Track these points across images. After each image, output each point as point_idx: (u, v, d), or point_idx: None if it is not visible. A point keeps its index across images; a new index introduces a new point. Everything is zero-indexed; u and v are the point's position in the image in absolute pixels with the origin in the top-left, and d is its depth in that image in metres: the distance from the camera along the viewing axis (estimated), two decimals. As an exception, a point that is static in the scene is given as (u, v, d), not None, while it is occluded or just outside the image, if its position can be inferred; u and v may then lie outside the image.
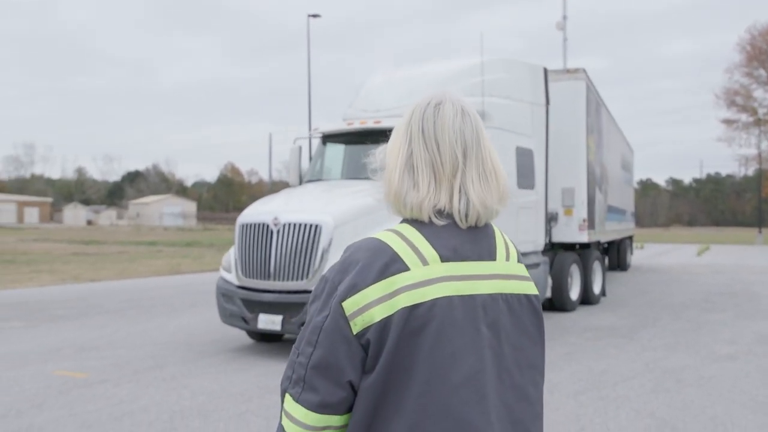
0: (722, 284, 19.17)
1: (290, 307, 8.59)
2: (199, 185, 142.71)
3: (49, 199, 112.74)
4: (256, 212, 9.29)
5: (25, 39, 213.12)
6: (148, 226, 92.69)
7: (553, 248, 13.75)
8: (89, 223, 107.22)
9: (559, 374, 8.00)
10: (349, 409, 1.64)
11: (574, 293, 13.90)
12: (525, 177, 11.78)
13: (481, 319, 1.63)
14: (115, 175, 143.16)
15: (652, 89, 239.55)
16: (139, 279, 20.87)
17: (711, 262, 28.81)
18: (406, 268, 1.60)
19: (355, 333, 1.59)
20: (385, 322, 1.57)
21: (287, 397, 1.66)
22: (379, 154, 1.81)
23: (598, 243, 16.61)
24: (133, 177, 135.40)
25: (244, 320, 9.01)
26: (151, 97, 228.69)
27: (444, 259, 1.63)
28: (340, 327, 1.60)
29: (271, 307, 8.74)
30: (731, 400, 6.93)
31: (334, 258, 8.31)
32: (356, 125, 10.82)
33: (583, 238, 13.83)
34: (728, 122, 62.21)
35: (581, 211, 13.72)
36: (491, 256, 1.70)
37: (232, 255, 9.53)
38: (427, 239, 1.64)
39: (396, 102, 11.06)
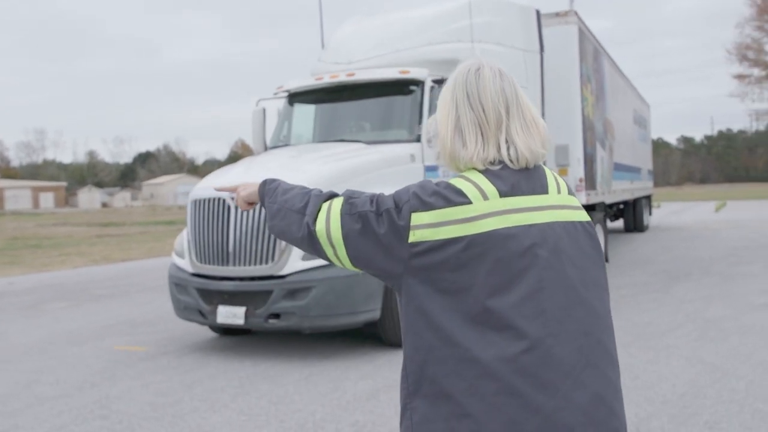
0: (745, 238, 19.34)
1: (254, 296, 7.36)
2: (210, 163, 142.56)
3: (63, 184, 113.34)
4: (211, 185, 7.92)
5: (29, 25, 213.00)
6: (163, 206, 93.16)
7: None
8: (104, 205, 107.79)
9: (604, 329, 8.22)
10: (355, 261, 1.98)
11: None
12: None
13: (540, 244, 1.86)
14: (126, 157, 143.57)
15: (660, 48, 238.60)
16: (168, 257, 21.13)
17: (730, 218, 28.93)
18: (469, 202, 1.85)
19: (410, 241, 1.87)
20: (443, 243, 1.83)
21: (339, 203, 2.00)
22: (431, 124, 2.07)
23: (604, 204, 15.62)
24: (144, 158, 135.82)
25: (201, 314, 7.72)
26: (158, 77, 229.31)
27: (502, 194, 1.88)
28: (401, 230, 1.88)
29: (231, 298, 7.49)
30: (776, 346, 7.16)
31: None
32: (326, 80, 9.40)
33: (580, 200, 12.45)
34: (740, 77, 61.78)
35: (577, 170, 12.77)
36: (544, 190, 1.95)
37: (185, 237, 8.25)
38: (488, 179, 1.90)
39: (372, 51, 9.69)
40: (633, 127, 21.29)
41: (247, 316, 7.33)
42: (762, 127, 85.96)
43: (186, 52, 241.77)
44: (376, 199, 1.96)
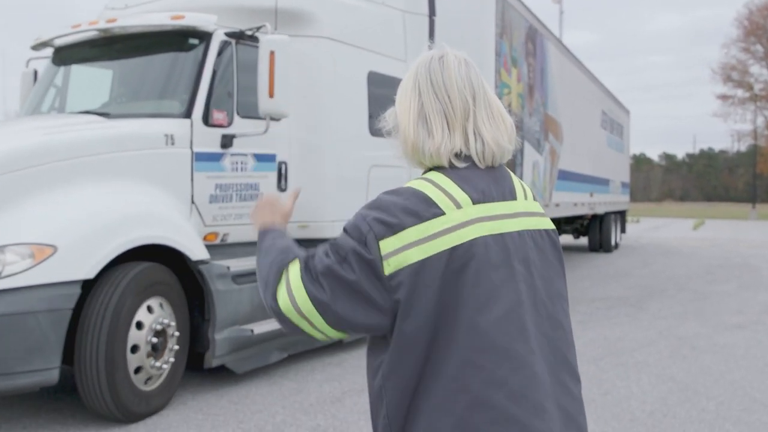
0: (721, 257, 19.35)
1: None
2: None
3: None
4: None
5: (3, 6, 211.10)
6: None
7: None
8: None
9: (576, 341, 8.05)
10: (337, 326, 1.73)
11: None
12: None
13: (513, 255, 1.74)
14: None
15: (643, 63, 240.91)
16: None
17: (707, 236, 29.04)
18: (442, 212, 1.70)
19: (386, 273, 1.68)
20: (422, 264, 1.66)
21: (296, 269, 1.76)
22: (389, 116, 1.92)
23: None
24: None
25: None
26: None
27: (475, 201, 1.74)
28: (372, 264, 1.68)
29: None
30: (747, 367, 7.08)
31: None
32: (83, 27, 6.87)
33: None
34: (724, 97, 62.53)
35: None
36: (513, 195, 1.83)
37: None
38: (456, 184, 1.75)
39: None
40: (600, 131, 19.11)
41: None
42: (743, 148, 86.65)
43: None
44: (330, 249, 1.76)
